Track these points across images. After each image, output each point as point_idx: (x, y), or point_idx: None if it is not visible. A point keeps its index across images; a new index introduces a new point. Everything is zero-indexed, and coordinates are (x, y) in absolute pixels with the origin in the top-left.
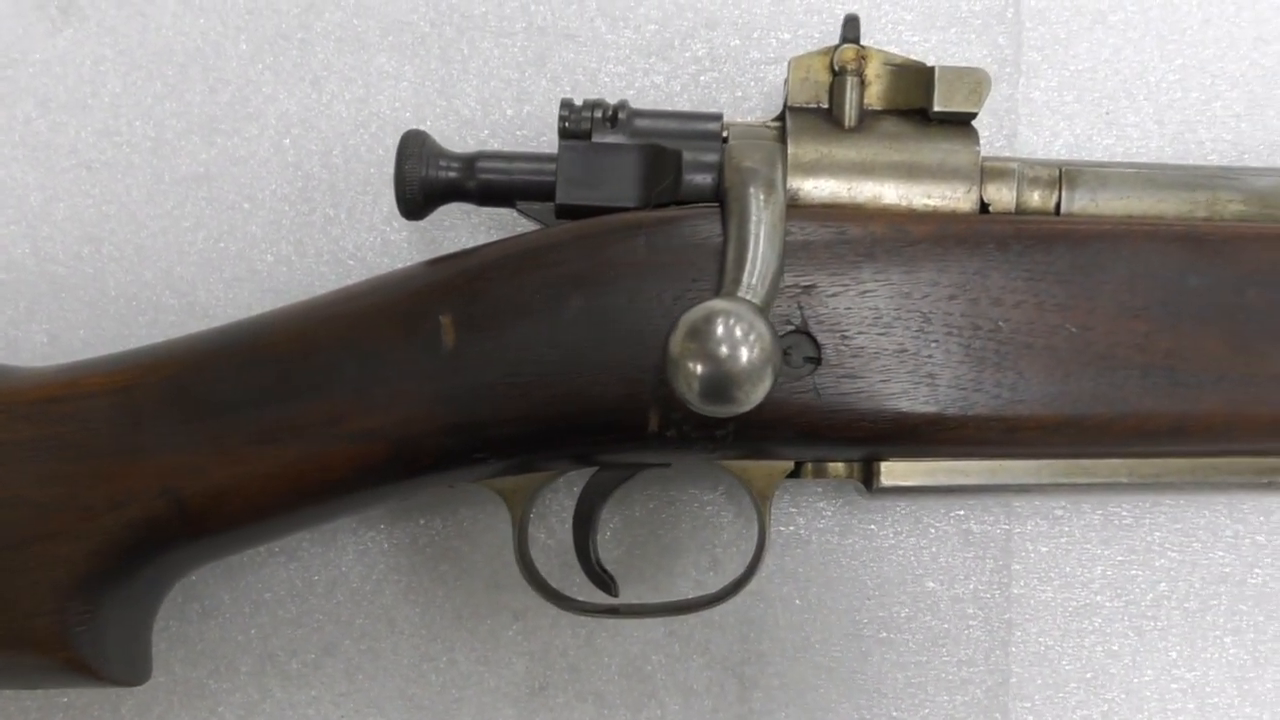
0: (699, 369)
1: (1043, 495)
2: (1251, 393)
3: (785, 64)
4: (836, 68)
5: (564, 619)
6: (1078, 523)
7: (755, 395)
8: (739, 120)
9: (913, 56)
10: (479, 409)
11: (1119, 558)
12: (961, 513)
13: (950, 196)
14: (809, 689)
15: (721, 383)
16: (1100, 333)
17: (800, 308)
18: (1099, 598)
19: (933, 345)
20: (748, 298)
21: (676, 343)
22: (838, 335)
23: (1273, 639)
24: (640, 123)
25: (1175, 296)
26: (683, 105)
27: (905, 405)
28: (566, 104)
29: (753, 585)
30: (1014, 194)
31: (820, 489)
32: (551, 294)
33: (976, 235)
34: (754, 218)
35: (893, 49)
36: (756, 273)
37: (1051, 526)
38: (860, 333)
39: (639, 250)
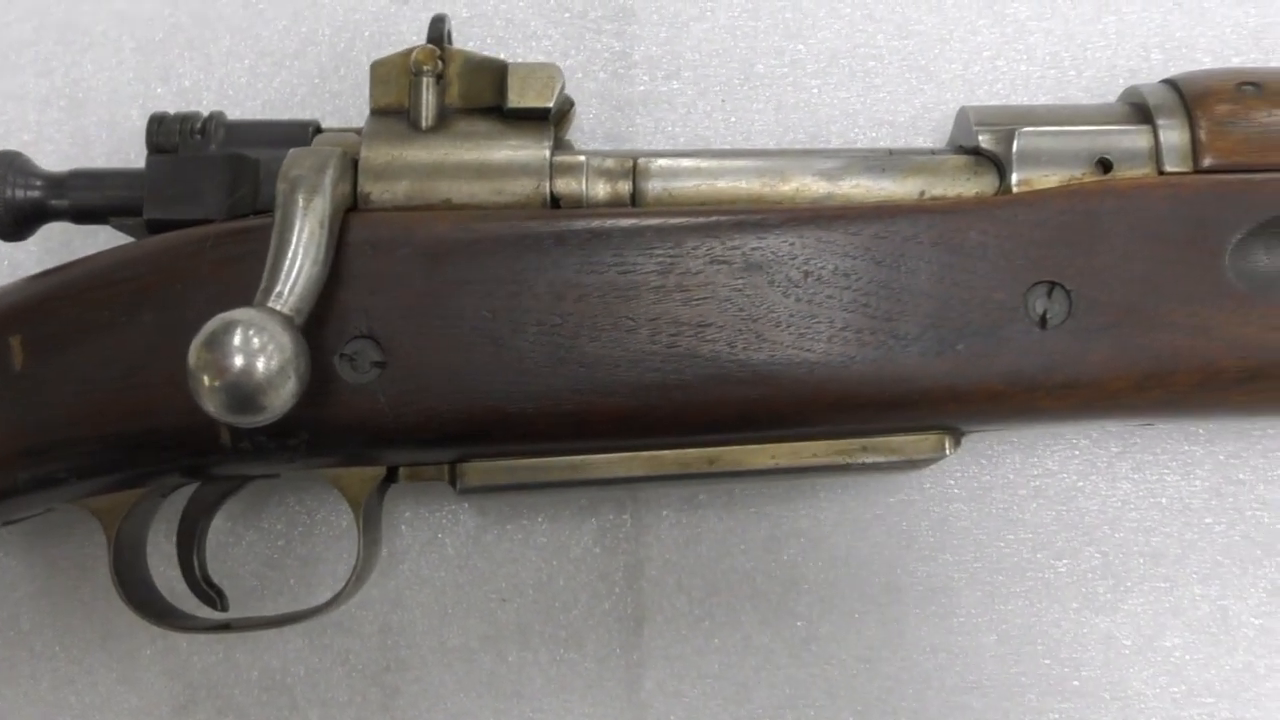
0: (215, 381)
1: (630, 487)
2: (811, 375)
3: None
4: (413, 69)
5: (202, 635)
6: (708, 512)
7: (277, 405)
8: (334, 127)
9: (536, 54)
10: (53, 430)
11: (746, 547)
12: (593, 508)
13: (519, 193)
14: (449, 694)
15: (238, 394)
16: (665, 323)
17: (366, 313)
18: (731, 587)
19: (498, 344)
20: (276, 307)
21: (193, 354)
22: (404, 338)
23: (898, 620)
24: (231, 133)
25: (735, 283)
26: (307, 113)
27: (472, 405)
28: (156, 118)
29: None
30: (583, 187)
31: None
32: (122, 311)
33: (537, 231)
34: (295, 225)
35: (517, 47)
36: (290, 281)
37: (681, 517)
38: (425, 334)
39: (205, 263)
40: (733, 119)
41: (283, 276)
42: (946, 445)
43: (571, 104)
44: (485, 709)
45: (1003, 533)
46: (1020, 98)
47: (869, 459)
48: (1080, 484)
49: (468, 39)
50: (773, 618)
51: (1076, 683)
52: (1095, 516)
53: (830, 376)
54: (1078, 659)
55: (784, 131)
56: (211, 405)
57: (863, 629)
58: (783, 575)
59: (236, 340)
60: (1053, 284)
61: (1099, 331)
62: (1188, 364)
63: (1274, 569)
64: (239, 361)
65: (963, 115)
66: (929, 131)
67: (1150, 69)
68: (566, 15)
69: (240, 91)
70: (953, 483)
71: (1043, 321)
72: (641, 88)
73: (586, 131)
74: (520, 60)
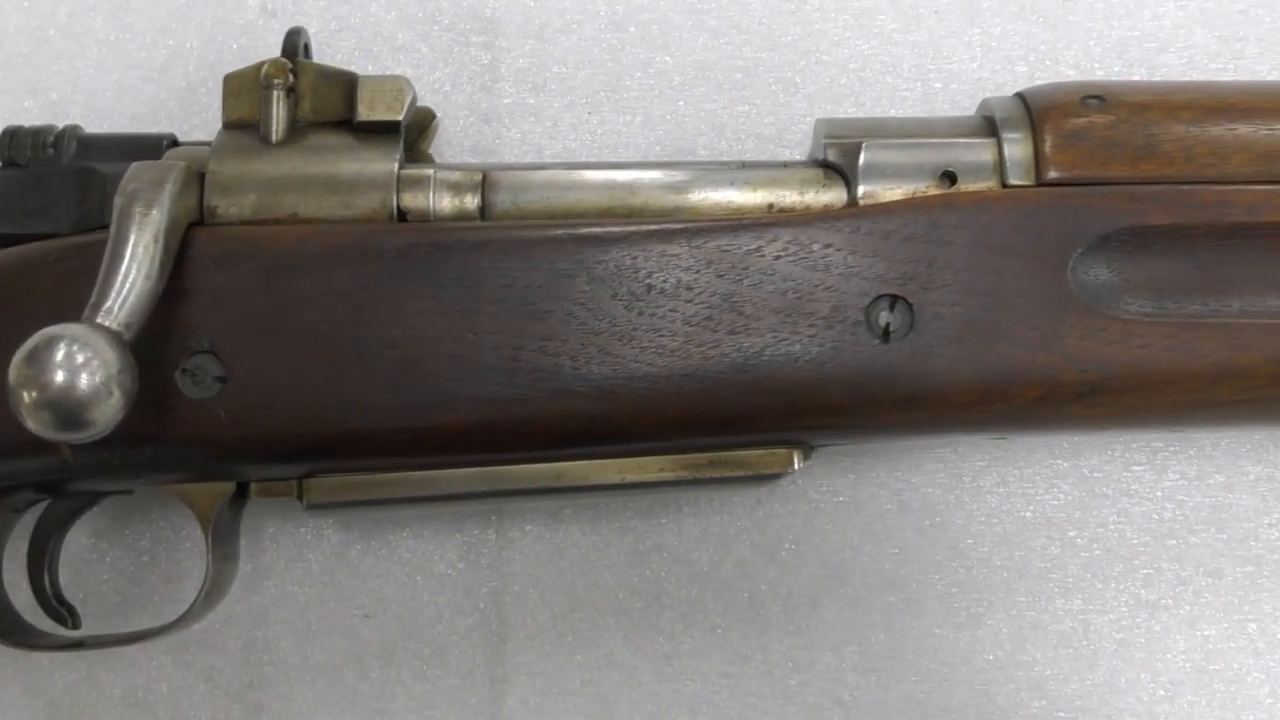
0: (35, 397)
1: (488, 502)
2: (653, 390)
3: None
4: (264, 82)
5: (64, 653)
6: (572, 527)
7: (101, 421)
8: (192, 141)
9: (404, 67)
10: None
11: (610, 562)
12: (457, 524)
13: (366, 207)
14: (313, 711)
15: (59, 410)
16: (506, 336)
17: (208, 328)
18: (594, 602)
19: (340, 359)
20: (105, 322)
21: (13, 370)
22: (246, 354)
23: (761, 635)
24: (83, 147)
25: (578, 296)
26: (175, 127)
27: (315, 421)
28: (8, 132)
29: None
30: (429, 201)
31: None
32: None
33: (380, 245)
34: (129, 239)
35: (385, 59)
36: (120, 296)
37: (545, 532)
38: (267, 349)
39: (47, 277)
40: (599, 131)
41: (113, 291)
42: (796, 459)
43: (433, 117)
44: None
45: (866, 546)
46: (886, 110)
47: (717, 473)
48: (945, 497)
49: (335, 52)
50: (635, 633)
51: (939, 697)
52: (959, 530)
53: (673, 391)
54: (940, 673)
55: (651, 144)
56: (32, 422)
57: (726, 644)
58: (646, 590)
59: (58, 356)
60: (895, 297)
61: (941, 345)
62: (1029, 377)
63: (1136, 583)
64: (60, 378)
65: (817, 128)
66: (796, 144)
67: (1015, 82)
68: (435, 28)
69: (108, 105)
70: (817, 496)
71: (885, 335)
72: (508, 100)
73: (454, 144)
74: (387, 73)
